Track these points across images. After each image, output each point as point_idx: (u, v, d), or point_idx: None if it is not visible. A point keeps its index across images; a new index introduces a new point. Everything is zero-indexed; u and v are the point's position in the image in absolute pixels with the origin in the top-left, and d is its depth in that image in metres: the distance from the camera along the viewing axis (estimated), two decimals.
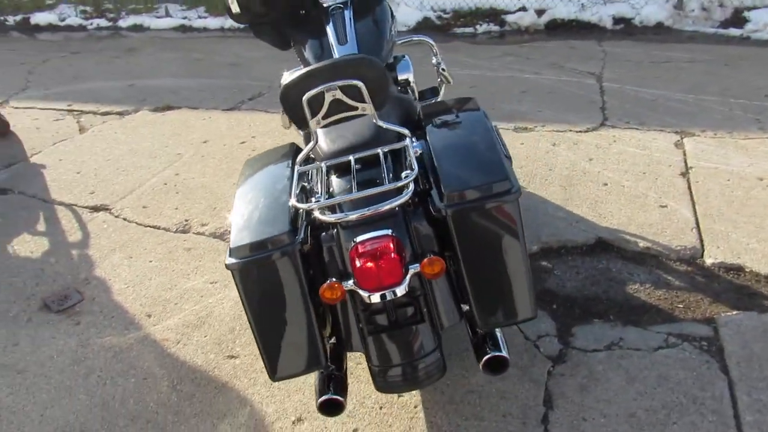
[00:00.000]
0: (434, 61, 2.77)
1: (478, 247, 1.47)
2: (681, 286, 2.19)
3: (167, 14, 6.69)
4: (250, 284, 1.47)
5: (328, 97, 1.45)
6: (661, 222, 2.52)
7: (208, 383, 1.91)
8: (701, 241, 2.39)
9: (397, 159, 1.59)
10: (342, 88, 1.45)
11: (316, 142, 1.58)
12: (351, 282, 1.42)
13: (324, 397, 1.47)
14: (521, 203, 1.48)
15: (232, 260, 1.46)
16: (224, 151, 3.48)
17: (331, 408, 1.48)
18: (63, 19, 6.93)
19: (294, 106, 1.46)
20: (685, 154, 3.02)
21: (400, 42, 2.87)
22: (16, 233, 2.80)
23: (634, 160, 3.01)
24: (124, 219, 2.85)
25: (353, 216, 1.44)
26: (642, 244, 2.40)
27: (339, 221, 1.46)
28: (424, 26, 5.82)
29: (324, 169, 1.52)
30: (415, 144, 1.57)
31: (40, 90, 4.80)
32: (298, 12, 2.44)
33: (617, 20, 5.35)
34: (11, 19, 7.09)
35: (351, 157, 1.52)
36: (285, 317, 1.48)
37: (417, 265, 1.43)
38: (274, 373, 1.50)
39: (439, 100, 2.83)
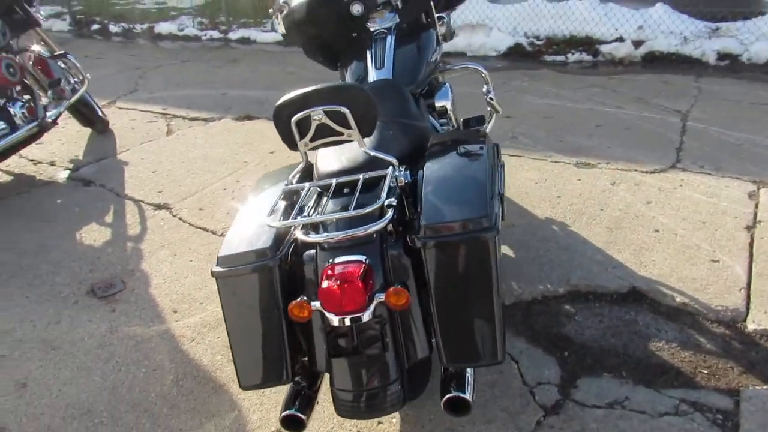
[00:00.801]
0: (484, 89, 2.75)
1: (449, 282, 1.45)
2: (711, 350, 2.01)
3: (273, 29, 7.08)
4: (230, 293, 1.54)
5: (315, 121, 1.50)
6: (707, 277, 2.33)
7: (207, 383, 2.01)
8: (748, 303, 2.18)
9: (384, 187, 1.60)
10: (328, 114, 1.49)
11: (306, 162, 1.63)
12: (318, 303, 1.45)
13: (285, 413, 1.50)
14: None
15: (218, 269, 1.54)
16: (287, 162, 3.61)
17: (292, 424, 1.51)
18: (182, 30, 7.53)
19: (285, 126, 1.52)
20: (757, 207, 2.77)
21: (456, 67, 2.88)
22: (86, 222, 3.09)
23: (697, 207, 2.80)
24: (180, 219, 3.06)
25: (322, 238, 1.47)
26: (679, 298, 2.23)
27: (317, 242, 1.50)
28: (515, 52, 5.75)
29: (308, 190, 1.56)
30: (402, 173, 1.57)
31: (145, 93, 5.26)
32: (349, 35, 2.52)
33: (722, 56, 5.01)
34: (138, 27, 7.81)
35: (333, 181, 1.55)
36: (257, 329, 1.53)
37: (383, 294, 1.43)
38: (241, 382, 1.55)
39: (485, 128, 2.81)
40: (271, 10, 2.35)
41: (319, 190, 1.59)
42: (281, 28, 2.39)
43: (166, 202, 3.24)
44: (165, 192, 3.36)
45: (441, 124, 2.50)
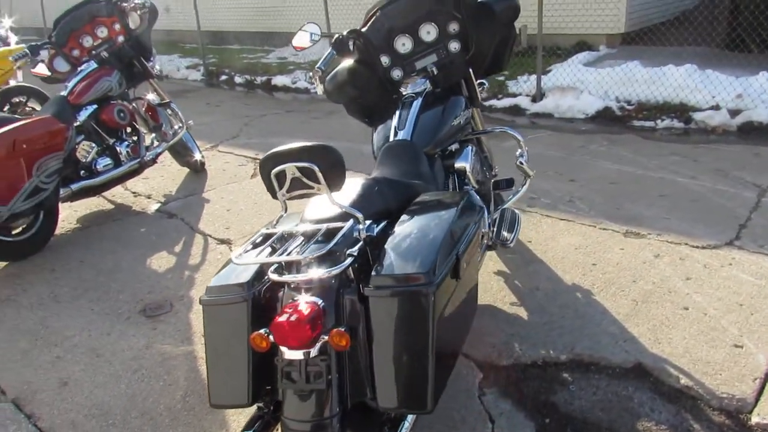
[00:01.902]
0: (517, 153, 2.83)
1: (387, 330, 1.56)
2: None
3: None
4: (211, 320, 1.75)
5: (289, 175, 1.70)
6: (723, 362, 2.20)
7: (207, 402, 2.22)
8: (759, 394, 2.04)
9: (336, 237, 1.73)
10: (300, 169, 1.68)
11: (285, 211, 1.83)
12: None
13: None
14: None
15: (205, 297, 1.76)
16: None
17: None
18: (294, 82, 8.21)
19: (266, 178, 1.74)
20: None
21: (496, 130, 2.99)
22: (158, 250, 3.50)
23: (740, 288, 2.65)
24: None
25: (287, 278, 1.64)
26: (684, 380, 2.14)
27: (284, 281, 1.68)
28: (603, 116, 5.68)
29: (280, 234, 1.75)
30: (365, 227, 1.72)
31: (244, 139, 5.81)
32: (387, 97, 2.74)
33: None
34: (259, 80, 8.62)
35: (300, 228, 1.74)
36: (228, 354, 1.72)
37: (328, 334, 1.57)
38: (211, 400, 1.74)
39: (518, 192, 2.87)
40: (311, 74, 2.63)
41: (290, 234, 1.77)
42: (320, 89, 2.65)
43: (229, 238, 3.59)
44: (232, 229, 3.72)
45: (463, 184, 2.62)
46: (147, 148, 4.27)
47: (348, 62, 2.72)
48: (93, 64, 4.10)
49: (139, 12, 4.18)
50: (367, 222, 1.74)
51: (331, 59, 2.53)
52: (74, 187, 3.70)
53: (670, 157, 4.46)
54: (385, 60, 2.70)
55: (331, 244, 1.61)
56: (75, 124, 3.83)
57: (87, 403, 2.28)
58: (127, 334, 2.70)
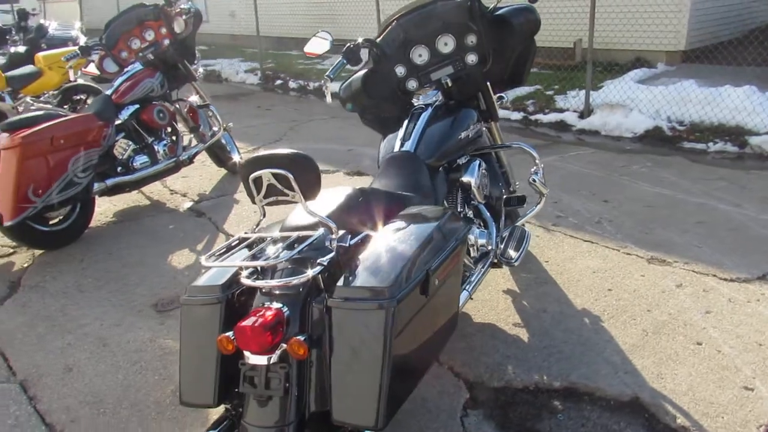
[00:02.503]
0: (532, 170, 2.76)
1: (344, 343, 1.55)
2: None
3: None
4: (186, 319, 1.78)
5: (265, 181, 1.72)
6: (728, 404, 2.06)
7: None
8: None
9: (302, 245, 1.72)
10: (276, 176, 1.70)
11: (263, 216, 1.85)
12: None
13: None
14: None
15: (184, 297, 1.80)
16: None
17: None
18: None
19: (245, 183, 1.76)
20: None
21: (514, 146, 2.92)
22: (181, 247, 3.60)
23: (762, 327, 2.48)
24: None
25: (257, 283, 1.65)
26: (681, 420, 2.01)
27: (254, 286, 1.69)
28: (652, 135, 5.46)
29: (252, 240, 1.77)
30: (339, 237, 1.71)
31: (286, 143, 5.92)
32: (401, 107, 2.72)
33: None
34: (311, 85, 8.76)
35: (270, 235, 1.75)
36: (199, 355, 1.75)
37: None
38: (182, 397, 1.77)
39: (532, 211, 2.80)
40: (321, 81, 2.65)
41: (262, 240, 1.79)
42: (329, 97, 2.67)
43: None
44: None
45: (469, 199, 2.57)
46: (184, 148, 4.42)
47: (363, 71, 2.73)
48: (138, 66, 4.28)
49: (184, 17, 4.34)
50: (341, 232, 1.74)
51: (341, 68, 2.54)
52: (109, 182, 3.87)
53: (717, 182, 4.23)
54: (400, 70, 2.69)
55: (295, 251, 1.61)
56: (116, 122, 4.01)
57: (85, 390, 2.36)
58: (135, 327, 2.79)
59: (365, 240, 1.79)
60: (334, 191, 1.96)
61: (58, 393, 2.35)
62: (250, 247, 1.76)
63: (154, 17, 4.34)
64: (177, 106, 4.50)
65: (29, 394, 2.35)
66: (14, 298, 3.13)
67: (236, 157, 4.95)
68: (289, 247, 1.68)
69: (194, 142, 4.56)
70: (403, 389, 1.64)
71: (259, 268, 1.72)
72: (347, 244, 1.74)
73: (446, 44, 2.68)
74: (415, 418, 2.09)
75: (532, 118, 6.32)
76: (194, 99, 4.67)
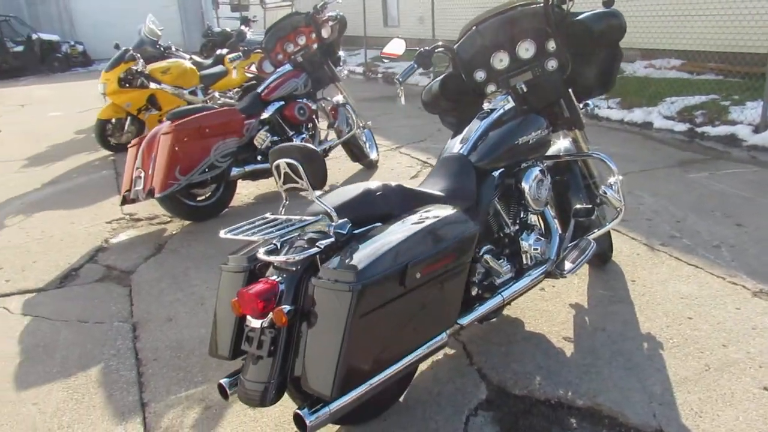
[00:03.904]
0: (610, 180, 2.66)
1: (319, 317, 1.72)
2: None
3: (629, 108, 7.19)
4: (221, 283, 2.09)
5: (282, 169, 1.95)
6: None
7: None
8: None
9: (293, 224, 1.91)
10: (290, 166, 1.92)
11: (286, 200, 2.07)
12: None
13: (219, 381, 1.97)
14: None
15: (222, 265, 2.12)
16: None
17: (222, 391, 1.96)
18: None
19: (271, 170, 2.01)
20: None
21: (595, 155, 2.81)
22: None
23: None
24: None
25: (266, 258, 1.88)
26: None
27: (263, 260, 1.92)
28: None
29: (270, 220, 2.00)
30: (338, 225, 1.87)
31: (429, 143, 6.12)
32: (475, 107, 2.79)
33: None
34: None
35: (286, 217, 1.96)
36: (224, 315, 2.04)
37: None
38: (209, 350, 2.08)
39: (606, 225, 2.70)
40: (396, 84, 2.79)
41: (275, 220, 2.01)
42: (402, 99, 2.81)
43: None
44: None
45: (523, 205, 2.54)
46: (320, 143, 4.85)
47: (442, 76, 2.83)
48: (288, 67, 4.81)
49: (330, 23, 4.77)
50: (342, 221, 1.90)
51: (411, 72, 2.67)
52: (248, 168, 4.42)
53: None
54: (480, 75, 2.75)
55: (289, 228, 1.82)
56: (262, 117, 4.56)
57: (173, 337, 2.82)
58: None
59: (371, 231, 1.93)
60: (357, 185, 2.13)
61: (153, 336, 2.84)
62: (264, 226, 2.00)
63: (306, 23, 4.83)
64: (319, 104, 4.95)
65: (135, 334, 2.87)
66: (156, 257, 3.78)
67: (373, 155, 5.29)
68: (297, 229, 1.89)
69: (330, 137, 4.97)
70: (369, 368, 1.75)
71: (278, 245, 1.96)
72: (345, 231, 1.89)
73: (527, 50, 2.67)
74: (422, 407, 2.18)
75: (699, 130, 5.74)
76: (338, 98, 5.09)
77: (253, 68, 5.11)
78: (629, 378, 2.24)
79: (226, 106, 4.98)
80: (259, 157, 4.52)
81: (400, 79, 2.68)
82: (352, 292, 1.66)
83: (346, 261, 1.75)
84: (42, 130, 8.13)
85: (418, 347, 1.92)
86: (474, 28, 2.73)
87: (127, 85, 6.30)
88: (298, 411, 1.72)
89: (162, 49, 7.79)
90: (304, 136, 4.75)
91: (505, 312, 2.75)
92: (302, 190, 1.97)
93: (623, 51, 2.64)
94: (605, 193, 2.64)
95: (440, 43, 2.70)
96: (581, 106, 2.79)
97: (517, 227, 2.56)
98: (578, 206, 2.69)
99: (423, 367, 2.40)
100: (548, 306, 2.78)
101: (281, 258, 1.85)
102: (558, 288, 2.94)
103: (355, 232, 1.94)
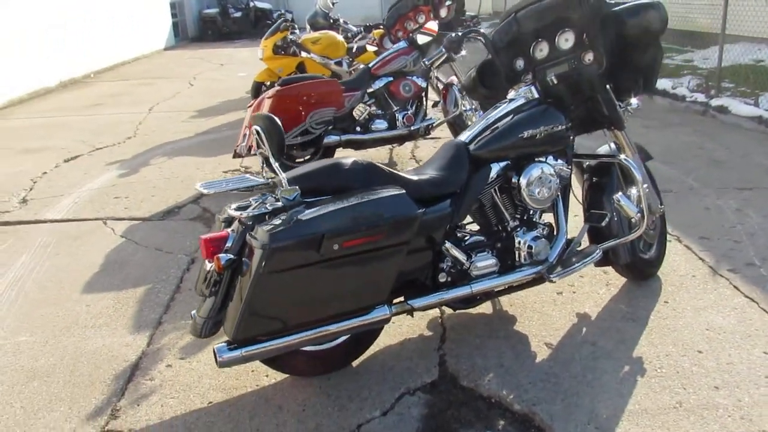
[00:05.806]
0: (633, 190, 2.50)
1: (244, 269, 1.93)
2: None
3: (756, 103, 6.30)
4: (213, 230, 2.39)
5: (253, 136, 2.16)
6: None
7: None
8: None
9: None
10: (258, 134, 2.12)
11: (262, 164, 2.27)
12: None
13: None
14: None
15: (217, 215, 2.42)
16: None
17: None
18: (675, 88, 7.49)
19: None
20: None
21: (620, 159, 2.62)
22: None
23: None
24: None
25: (228, 212, 2.13)
26: None
27: (229, 213, 2.16)
28: None
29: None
30: (285, 191, 2.03)
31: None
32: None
33: None
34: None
35: (254, 178, 2.17)
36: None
37: None
38: (194, 286, 2.40)
39: (622, 237, 2.53)
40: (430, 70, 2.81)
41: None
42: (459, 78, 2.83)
43: None
44: None
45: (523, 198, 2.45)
46: (423, 120, 4.95)
47: (480, 63, 2.80)
48: (403, 44, 4.95)
49: (448, 3, 4.81)
50: (290, 188, 2.06)
51: (438, 56, 2.68)
52: (344, 137, 4.69)
53: None
54: (519, 64, 2.68)
55: (238, 185, 2.02)
56: (369, 90, 4.79)
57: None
58: None
59: (318, 201, 2.07)
60: (333, 159, 2.26)
61: None
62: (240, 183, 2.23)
63: (425, 3, 4.92)
64: (430, 82, 5.04)
65: (189, 266, 3.32)
66: None
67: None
68: (248, 189, 2.11)
69: (435, 116, 5.05)
70: (282, 325, 1.92)
71: (251, 202, 2.18)
72: (290, 198, 2.05)
73: (567, 40, 2.54)
74: (367, 376, 2.28)
75: None
76: (452, 78, 5.12)
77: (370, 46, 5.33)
78: (583, 396, 2.12)
79: None
80: (357, 128, 4.77)
81: (426, 62, 2.72)
82: (264, 251, 1.84)
83: (274, 223, 1.92)
84: (223, 87, 9.26)
85: (344, 318, 2.04)
86: (513, 15, 2.65)
87: (282, 52, 6.92)
88: (215, 347, 1.96)
89: (332, 21, 8.36)
90: (407, 112, 4.88)
91: (505, 308, 2.70)
92: (263, 155, 2.16)
93: None
94: (619, 201, 2.44)
95: (473, 28, 2.67)
96: (623, 104, 2.58)
97: (516, 222, 2.49)
98: (592, 211, 2.52)
99: (392, 341, 2.50)
100: (552, 310, 2.67)
101: (236, 213, 2.07)
102: (577, 294, 2.79)
103: (307, 200, 2.09)
